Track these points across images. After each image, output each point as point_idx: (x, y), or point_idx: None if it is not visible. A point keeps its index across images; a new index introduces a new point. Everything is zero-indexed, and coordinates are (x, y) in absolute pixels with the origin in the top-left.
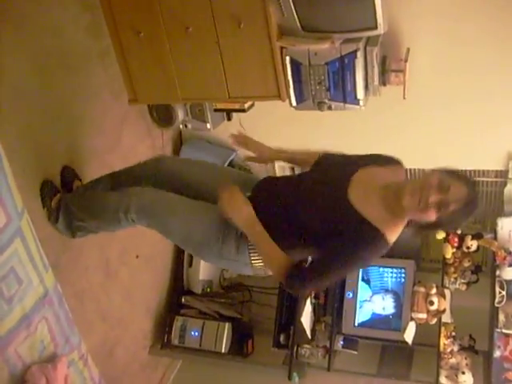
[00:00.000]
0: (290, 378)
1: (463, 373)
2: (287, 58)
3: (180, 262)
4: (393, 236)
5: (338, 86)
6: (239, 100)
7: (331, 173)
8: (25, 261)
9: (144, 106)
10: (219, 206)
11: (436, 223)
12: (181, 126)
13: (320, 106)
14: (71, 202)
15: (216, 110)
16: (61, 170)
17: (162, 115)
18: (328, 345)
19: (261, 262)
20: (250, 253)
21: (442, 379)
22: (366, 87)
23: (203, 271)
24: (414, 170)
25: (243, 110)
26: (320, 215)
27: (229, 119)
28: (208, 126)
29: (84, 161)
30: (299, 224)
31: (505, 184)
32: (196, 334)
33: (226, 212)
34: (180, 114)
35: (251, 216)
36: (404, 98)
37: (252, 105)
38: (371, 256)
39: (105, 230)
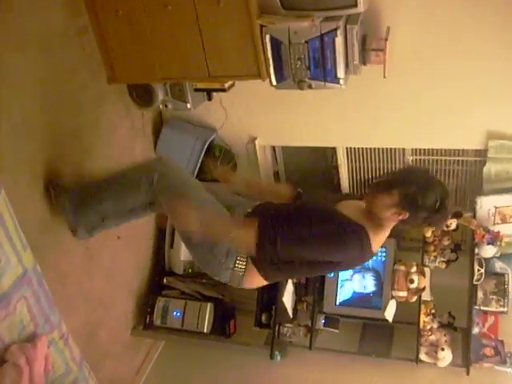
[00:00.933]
0: (272, 356)
1: (442, 349)
2: (267, 37)
3: (161, 243)
4: (375, 239)
5: (318, 64)
6: (219, 79)
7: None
8: (2, 239)
9: (123, 85)
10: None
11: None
12: (161, 106)
13: (300, 84)
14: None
15: (196, 90)
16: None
17: (142, 95)
18: (310, 324)
19: (242, 268)
20: (236, 259)
21: (422, 356)
22: (347, 66)
23: (184, 252)
24: (394, 149)
25: (223, 90)
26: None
27: (209, 99)
28: (188, 105)
29: (62, 142)
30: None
31: (484, 163)
32: (178, 314)
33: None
34: (160, 94)
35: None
36: (384, 77)
37: (232, 84)
38: (353, 245)
39: (121, 206)
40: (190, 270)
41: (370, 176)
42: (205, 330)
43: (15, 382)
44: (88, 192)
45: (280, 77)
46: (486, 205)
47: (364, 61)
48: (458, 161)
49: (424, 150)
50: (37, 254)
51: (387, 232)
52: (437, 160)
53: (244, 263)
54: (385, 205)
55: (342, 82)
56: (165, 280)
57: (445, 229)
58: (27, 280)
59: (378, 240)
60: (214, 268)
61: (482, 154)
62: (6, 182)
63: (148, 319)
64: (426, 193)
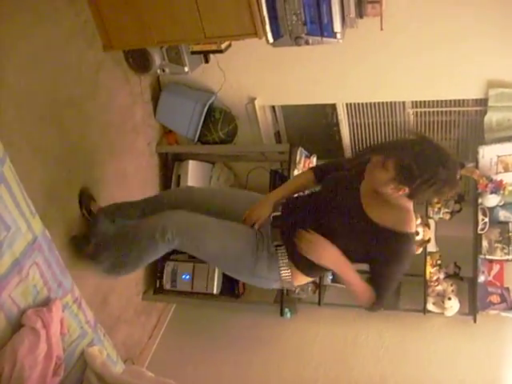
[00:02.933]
0: (282, 314)
1: (449, 299)
2: None
3: None
4: (413, 225)
5: (314, 19)
6: (216, 40)
7: (341, 193)
8: (11, 207)
9: (119, 52)
10: (301, 249)
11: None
12: (158, 71)
13: (297, 41)
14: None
15: (193, 53)
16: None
17: (139, 61)
18: (317, 280)
19: (289, 275)
20: (280, 270)
21: (430, 306)
22: (343, 20)
23: None
24: (394, 103)
25: (220, 51)
26: (350, 239)
27: (206, 61)
28: (186, 69)
29: (62, 112)
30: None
31: (485, 112)
32: (187, 277)
33: (311, 254)
34: (156, 59)
35: (339, 255)
36: (381, 29)
37: (229, 45)
38: (412, 255)
39: (143, 261)
40: None
41: (370, 132)
42: (214, 292)
43: (33, 344)
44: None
45: (276, 34)
46: (488, 154)
47: (360, 14)
48: (459, 111)
49: (424, 102)
50: (43, 223)
51: (412, 209)
52: (437, 112)
53: (288, 270)
54: (383, 181)
55: (339, 36)
56: None
57: None
58: (38, 246)
59: (413, 217)
60: (264, 285)
61: (482, 104)
62: (9, 153)
63: (158, 284)
64: (421, 163)
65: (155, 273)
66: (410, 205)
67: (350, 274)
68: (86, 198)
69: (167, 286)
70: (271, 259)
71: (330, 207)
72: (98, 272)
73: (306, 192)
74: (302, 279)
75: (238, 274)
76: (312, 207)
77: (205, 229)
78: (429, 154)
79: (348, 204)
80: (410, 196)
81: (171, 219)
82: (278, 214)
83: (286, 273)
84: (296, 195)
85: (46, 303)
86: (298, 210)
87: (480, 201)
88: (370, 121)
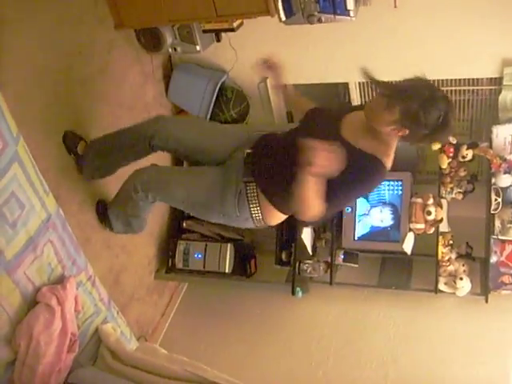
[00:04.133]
0: (293, 293)
1: (461, 279)
2: None
3: None
4: (389, 161)
5: None
6: (227, 18)
7: (322, 120)
8: (25, 185)
9: (131, 31)
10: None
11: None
12: (170, 50)
13: (310, 19)
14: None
15: (205, 31)
16: (62, 138)
17: (150, 40)
18: (329, 260)
19: (258, 213)
20: (250, 207)
21: (441, 286)
22: None
23: None
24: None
25: (232, 30)
26: None
27: (218, 40)
28: (197, 48)
29: (74, 91)
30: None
31: (499, 91)
32: (199, 256)
33: (315, 159)
34: (168, 38)
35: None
36: (395, 6)
37: (241, 23)
38: (376, 183)
39: (141, 216)
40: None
41: None
42: (226, 271)
43: (48, 321)
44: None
45: (289, 12)
46: (502, 134)
47: None
48: (473, 90)
49: (438, 80)
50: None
51: (394, 147)
52: (451, 90)
53: (257, 208)
54: (385, 121)
55: (352, 13)
56: (184, 224)
57: (461, 160)
58: (52, 224)
59: (391, 155)
60: (236, 223)
61: (497, 83)
62: (22, 133)
63: (170, 263)
64: (429, 110)
65: (167, 252)
66: (395, 144)
67: (316, 185)
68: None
69: (179, 265)
70: (240, 197)
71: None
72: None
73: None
74: (275, 216)
75: (210, 217)
76: (288, 143)
77: (170, 181)
78: (437, 101)
79: (324, 129)
80: (406, 138)
81: (140, 178)
82: (251, 151)
83: (255, 210)
84: (271, 134)
85: (61, 281)
86: (272, 148)
87: (493, 181)
88: None
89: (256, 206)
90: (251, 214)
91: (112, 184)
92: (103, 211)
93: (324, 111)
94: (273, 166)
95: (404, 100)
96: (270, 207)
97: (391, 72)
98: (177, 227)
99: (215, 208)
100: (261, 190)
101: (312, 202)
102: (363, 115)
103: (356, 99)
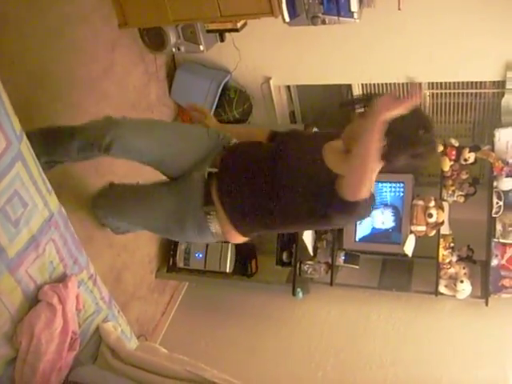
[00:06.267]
0: (294, 293)
1: (462, 281)
2: None
3: None
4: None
5: None
6: (231, 19)
7: (303, 145)
8: (28, 184)
9: (135, 30)
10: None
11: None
12: (173, 50)
13: (314, 20)
14: None
15: (208, 31)
16: None
17: (154, 39)
18: (330, 261)
19: (219, 228)
20: (209, 228)
21: (442, 288)
22: None
23: None
24: (410, 83)
25: (236, 30)
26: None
27: (222, 40)
28: (201, 47)
29: (77, 89)
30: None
31: (502, 95)
32: (200, 255)
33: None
34: (172, 37)
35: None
36: (399, 8)
37: (245, 24)
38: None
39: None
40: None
41: None
42: (227, 270)
43: (50, 320)
44: None
45: (293, 13)
46: (505, 137)
47: None
48: (476, 93)
49: (440, 83)
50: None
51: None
52: (454, 93)
53: (221, 233)
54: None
55: (355, 15)
56: None
57: (463, 162)
58: (54, 223)
59: (373, 180)
60: (200, 241)
61: (500, 86)
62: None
63: (171, 262)
64: (405, 142)
65: (168, 251)
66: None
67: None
68: None
69: (180, 264)
70: (199, 228)
71: (285, 156)
72: None
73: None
74: (238, 239)
75: (174, 238)
76: (263, 158)
77: (127, 212)
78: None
79: (307, 155)
80: (387, 158)
81: (97, 213)
82: (215, 170)
83: (216, 228)
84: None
85: (62, 279)
86: (243, 163)
87: (495, 184)
88: None
89: (219, 233)
90: (211, 233)
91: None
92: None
93: (299, 136)
94: (246, 182)
95: (397, 145)
96: (233, 232)
97: (394, 74)
98: None
99: (178, 236)
100: (226, 215)
101: (370, 176)
102: (340, 144)
103: None
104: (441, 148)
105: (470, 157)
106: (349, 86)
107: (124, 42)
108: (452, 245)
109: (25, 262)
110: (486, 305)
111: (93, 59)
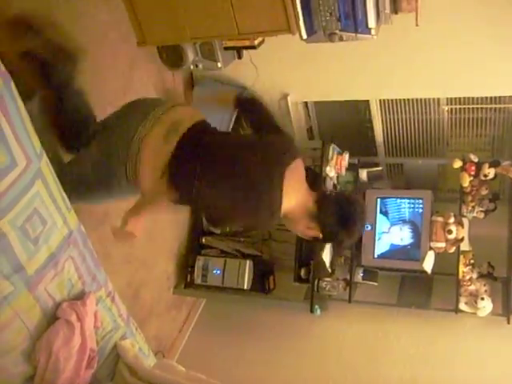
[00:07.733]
0: (312, 310)
1: (482, 299)
2: None
3: None
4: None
5: (348, 15)
6: (249, 36)
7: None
8: (47, 202)
9: (153, 47)
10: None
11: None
12: (191, 67)
13: (331, 37)
14: None
15: (226, 49)
16: None
17: (172, 56)
18: (348, 277)
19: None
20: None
21: (462, 306)
22: (378, 15)
23: None
24: (428, 99)
25: (253, 47)
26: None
27: (239, 57)
28: (219, 64)
29: (97, 106)
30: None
31: None
32: (218, 272)
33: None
34: (190, 55)
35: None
36: (417, 25)
37: (262, 41)
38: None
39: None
40: (228, 229)
41: (403, 129)
42: (245, 287)
43: (68, 337)
44: None
45: (310, 30)
46: None
47: (395, 9)
48: (495, 108)
49: (460, 98)
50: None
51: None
52: (473, 109)
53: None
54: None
55: (373, 32)
56: (203, 240)
57: (482, 178)
58: (73, 240)
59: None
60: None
61: None
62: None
63: (189, 278)
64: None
65: (186, 267)
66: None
67: None
68: None
69: (198, 281)
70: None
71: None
72: None
73: None
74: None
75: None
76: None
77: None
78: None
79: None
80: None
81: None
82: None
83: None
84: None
85: (81, 297)
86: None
87: None
88: (404, 117)
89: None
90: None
91: None
92: None
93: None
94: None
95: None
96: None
97: (412, 90)
98: (196, 243)
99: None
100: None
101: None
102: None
103: (377, 117)
104: (460, 163)
105: (490, 172)
106: (366, 102)
107: (142, 59)
108: (472, 261)
109: (44, 280)
110: (508, 323)
111: (111, 77)
